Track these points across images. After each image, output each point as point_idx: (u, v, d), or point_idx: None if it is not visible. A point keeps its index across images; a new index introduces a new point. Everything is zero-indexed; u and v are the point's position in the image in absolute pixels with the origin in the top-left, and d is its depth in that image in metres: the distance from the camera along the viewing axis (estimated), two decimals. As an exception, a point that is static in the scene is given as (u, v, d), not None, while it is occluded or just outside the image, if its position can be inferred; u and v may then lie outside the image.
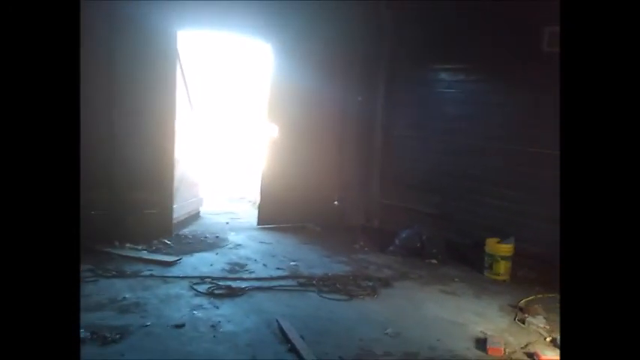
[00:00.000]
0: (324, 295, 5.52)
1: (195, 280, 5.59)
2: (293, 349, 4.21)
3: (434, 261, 6.93)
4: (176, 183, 7.37)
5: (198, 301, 5.11)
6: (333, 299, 5.44)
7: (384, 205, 8.45)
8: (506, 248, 6.46)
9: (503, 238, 6.55)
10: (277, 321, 4.64)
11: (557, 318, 5.22)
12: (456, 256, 6.97)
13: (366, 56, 8.36)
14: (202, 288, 5.40)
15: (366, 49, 8.34)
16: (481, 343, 4.60)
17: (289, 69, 7.89)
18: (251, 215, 8.57)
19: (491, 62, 7.05)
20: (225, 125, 11.68)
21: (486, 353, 4.43)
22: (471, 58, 7.29)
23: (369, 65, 8.40)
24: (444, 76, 7.76)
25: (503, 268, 6.45)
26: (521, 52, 6.67)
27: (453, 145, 7.52)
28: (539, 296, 5.78)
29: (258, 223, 8.18)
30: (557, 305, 5.57)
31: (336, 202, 8.44)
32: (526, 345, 4.62)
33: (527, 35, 6.54)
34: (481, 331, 4.87)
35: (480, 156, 7.21)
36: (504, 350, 4.48)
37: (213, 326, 4.58)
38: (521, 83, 6.74)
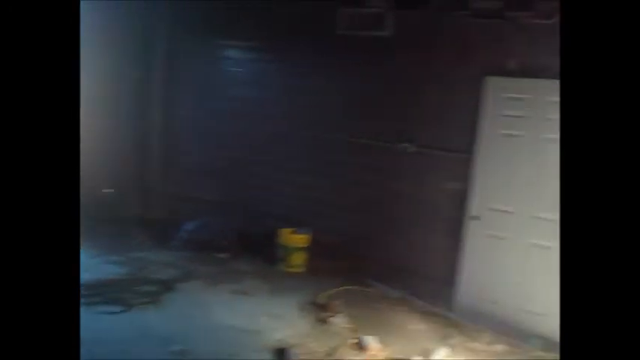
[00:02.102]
0: (93, 307, 4.44)
1: None
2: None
3: (224, 255, 6.21)
4: None
5: None
6: (105, 312, 4.41)
7: (167, 194, 7.45)
8: (301, 238, 6.02)
9: (298, 227, 6.09)
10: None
11: (359, 313, 4.92)
12: (249, 248, 6.33)
13: (140, 27, 7.22)
14: None
15: (141, 19, 7.20)
16: (281, 354, 4.02)
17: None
18: None
19: (284, 42, 6.47)
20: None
21: (288, 368, 3.86)
22: (262, 36, 6.64)
23: (144, 37, 7.28)
24: (232, 53, 6.99)
25: (298, 259, 6.01)
26: (316, 33, 6.20)
27: (244, 129, 6.82)
28: (339, 289, 5.43)
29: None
30: (359, 298, 5.31)
31: (107, 190, 7.19)
32: (330, 351, 4.16)
33: (322, 16, 6.07)
34: (280, 339, 4.29)
35: (272, 141, 6.63)
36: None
37: None
38: (316, 67, 6.30)
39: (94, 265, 5.47)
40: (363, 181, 6.00)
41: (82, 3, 1.91)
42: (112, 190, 7.23)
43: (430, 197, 5.55)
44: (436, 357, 4.28)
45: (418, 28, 5.56)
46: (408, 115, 5.68)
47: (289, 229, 6.07)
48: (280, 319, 4.70)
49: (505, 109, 4.98)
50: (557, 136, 4.72)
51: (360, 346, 4.30)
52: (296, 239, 6.02)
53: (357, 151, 6.03)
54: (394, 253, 5.77)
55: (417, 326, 4.91)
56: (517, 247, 4.94)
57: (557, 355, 4.51)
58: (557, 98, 4.71)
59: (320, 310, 4.92)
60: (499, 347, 4.61)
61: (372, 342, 4.35)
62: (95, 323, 4.22)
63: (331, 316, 4.76)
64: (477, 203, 5.14)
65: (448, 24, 5.36)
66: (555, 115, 4.73)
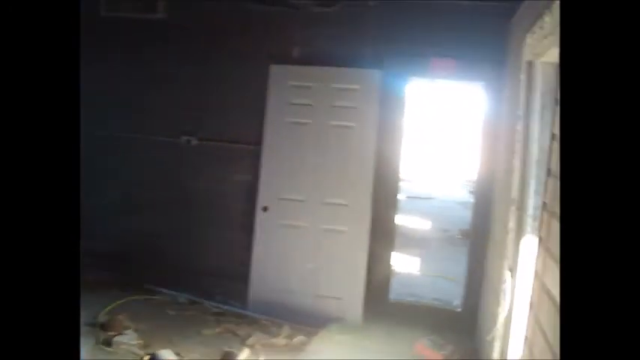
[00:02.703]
0: None
1: None
2: None
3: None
4: None
5: None
6: None
7: None
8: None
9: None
10: None
11: (149, 326, 4.42)
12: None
13: None
14: None
15: None
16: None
17: None
18: None
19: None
20: None
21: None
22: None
23: None
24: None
25: (67, 274, 5.18)
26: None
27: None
28: (120, 302, 4.81)
29: None
30: (145, 309, 4.79)
31: None
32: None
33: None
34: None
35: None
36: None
37: None
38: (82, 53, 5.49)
39: None
40: (143, 181, 5.42)
41: None
42: None
43: (218, 192, 5.25)
44: (239, 360, 4.02)
45: (197, 13, 5.18)
46: (189, 107, 5.27)
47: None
48: (54, 348, 3.96)
49: (292, 97, 4.91)
50: (341, 122, 4.85)
51: (155, 362, 3.84)
52: (62, 251, 5.19)
53: (133, 147, 5.40)
54: (182, 254, 5.34)
55: (212, 330, 4.59)
56: (309, 235, 4.94)
57: (354, 336, 4.67)
58: (341, 85, 4.82)
59: (102, 331, 4.28)
60: (299, 339, 4.53)
61: (167, 355, 3.91)
62: None
63: (117, 335, 4.17)
64: (266, 194, 5.00)
65: (229, 9, 5.08)
66: (340, 102, 4.83)
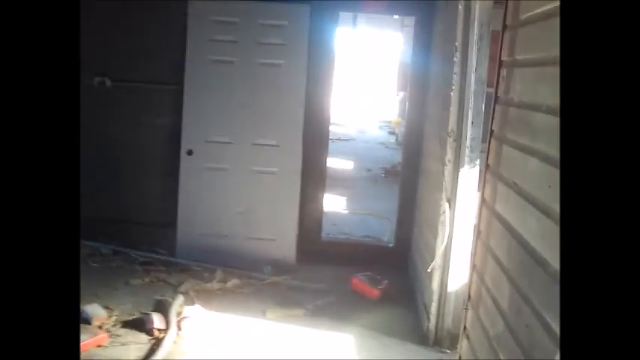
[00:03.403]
0: None
1: None
2: None
3: None
4: None
5: None
6: None
7: None
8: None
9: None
10: None
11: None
12: None
13: None
14: None
15: None
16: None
17: None
18: None
19: None
20: None
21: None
22: None
23: None
24: None
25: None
26: None
27: None
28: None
29: None
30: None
31: None
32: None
33: None
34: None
35: None
36: None
37: None
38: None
39: None
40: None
41: None
42: None
43: (138, 136, 4.93)
44: (173, 307, 3.87)
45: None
46: (102, 44, 4.82)
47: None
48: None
49: (214, 33, 4.61)
50: (269, 60, 4.63)
51: (82, 320, 3.60)
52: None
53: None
54: (102, 204, 5.00)
55: (141, 280, 4.41)
56: (238, 177, 4.78)
57: (289, 276, 4.63)
58: (268, 21, 4.58)
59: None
60: (233, 282, 4.44)
61: (94, 311, 3.69)
62: None
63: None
64: (190, 137, 4.74)
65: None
66: (267, 39, 4.60)
